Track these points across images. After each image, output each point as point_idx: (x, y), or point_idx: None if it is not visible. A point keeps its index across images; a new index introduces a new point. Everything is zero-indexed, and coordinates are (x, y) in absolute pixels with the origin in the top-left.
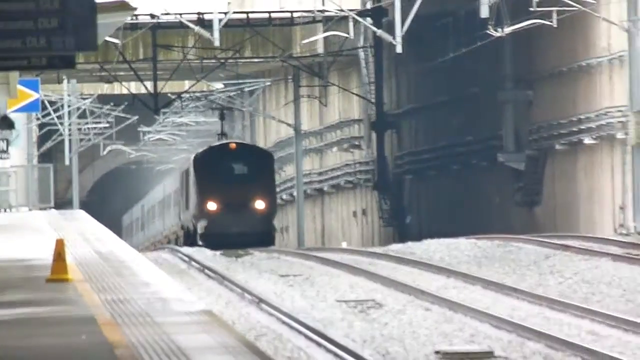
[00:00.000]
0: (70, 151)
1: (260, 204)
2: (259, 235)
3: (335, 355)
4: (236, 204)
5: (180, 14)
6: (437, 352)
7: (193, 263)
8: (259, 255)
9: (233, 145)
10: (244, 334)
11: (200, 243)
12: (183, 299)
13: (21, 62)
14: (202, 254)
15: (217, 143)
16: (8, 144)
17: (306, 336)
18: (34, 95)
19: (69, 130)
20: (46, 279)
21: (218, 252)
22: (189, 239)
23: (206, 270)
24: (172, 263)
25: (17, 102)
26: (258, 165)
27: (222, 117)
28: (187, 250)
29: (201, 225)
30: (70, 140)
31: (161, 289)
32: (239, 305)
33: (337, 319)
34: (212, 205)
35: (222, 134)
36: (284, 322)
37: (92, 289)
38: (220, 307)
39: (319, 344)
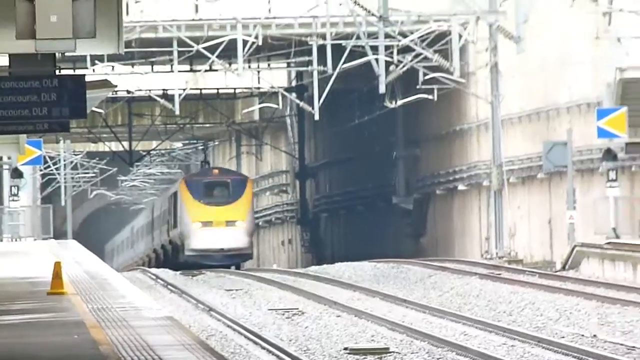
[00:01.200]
0: (65, 195)
1: (240, 224)
2: (240, 251)
3: (268, 351)
4: (219, 222)
5: (149, 90)
6: (345, 349)
7: (159, 280)
8: (209, 275)
9: (216, 171)
10: (198, 334)
11: (187, 259)
12: (151, 307)
13: (28, 127)
14: (165, 273)
15: (202, 169)
16: (18, 189)
17: (245, 336)
18: (38, 152)
19: (64, 179)
20: (47, 292)
21: (178, 272)
22: (169, 257)
23: (169, 286)
24: (143, 280)
25: (25, 157)
26: (236, 187)
27: (205, 148)
28: (154, 270)
29: (188, 242)
30: (65, 187)
31: (134, 300)
32: (194, 313)
33: (269, 323)
34: (198, 224)
35: (206, 162)
36: (228, 326)
37: (82, 300)
38: (180, 314)
39: (255, 343)
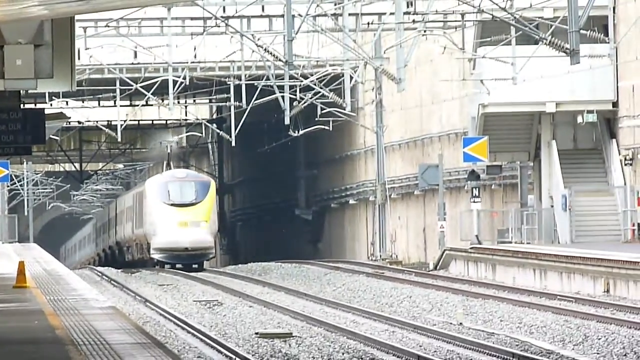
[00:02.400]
0: (27, 206)
1: (203, 225)
2: (201, 251)
3: (193, 335)
4: (184, 222)
5: (97, 121)
6: (256, 333)
7: (104, 277)
8: (145, 272)
9: (180, 173)
10: (136, 321)
11: (153, 256)
12: (97, 299)
13: None
14: (109, 271)
15: (168, 171)
16: None
17: (175, 323)
18: (5, 172)
19: (27, 193)
20: (13, 286)
21: (119, 270)
22: (115, 257)
23: (112, 281)
24: (90, 277)
25: None
26: (200, 189)
27: (170, 151)
28: (99, 268)
29: (154, 240)
30: (27, 200)
31: (84, 292)
32: (133, 303)
33: (194, 312)
34: (164, 223)
35: (169, 165)
36: (161, 314)
37: (42, 293)
38: (121, 304)
39: (183, 328)
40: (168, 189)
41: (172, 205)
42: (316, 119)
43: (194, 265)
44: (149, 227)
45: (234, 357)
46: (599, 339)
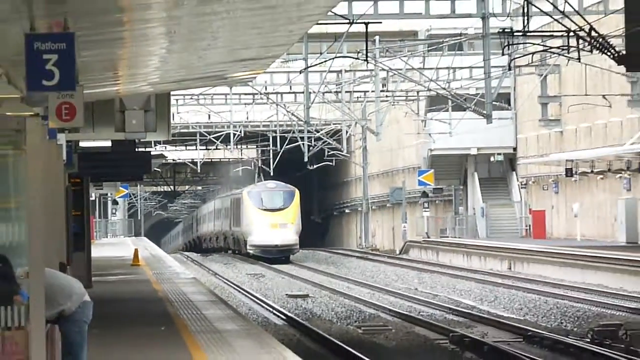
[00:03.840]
0: (140, 213)
1: (290, 226)
2: (288, 248)
3: (245, 295)
4: (275, 223)
5: (184, 159)
6: (286, 294)
7: (189, 258)
8: (215, 255)
9: (271, 184)
10: (209, 286)
11: (249, 251)
12: (184, 272)
13: (122, 178)
14: (192, 254)
15: (260, 182)
16: (116, 210)
17: (234, 287)
18: (125, 191)
19: (139, 205)
20: (130, 264)
21: (199, 254)
22: (234, 246)
23: (193, 261)
24: (180, 258)
25: (119, 193)
26: (288, 197)
27: (258, 170)
28: (186, 253)
29: (250, 239)
30: (140, 209)
31: (175, 268)
32: (207, 275)
33: (246, 281)
34: (259, 224)
35: (259, 178)
36: (225, 282)
37: (149, 268)
38: (199, 276)
39: (238, 290)
40: (261, 196)
41: (265, 210)
42: (324, 158)
43: (282, 258)
44: (245, 228)
45: (271, 310)
46: (505, 298)
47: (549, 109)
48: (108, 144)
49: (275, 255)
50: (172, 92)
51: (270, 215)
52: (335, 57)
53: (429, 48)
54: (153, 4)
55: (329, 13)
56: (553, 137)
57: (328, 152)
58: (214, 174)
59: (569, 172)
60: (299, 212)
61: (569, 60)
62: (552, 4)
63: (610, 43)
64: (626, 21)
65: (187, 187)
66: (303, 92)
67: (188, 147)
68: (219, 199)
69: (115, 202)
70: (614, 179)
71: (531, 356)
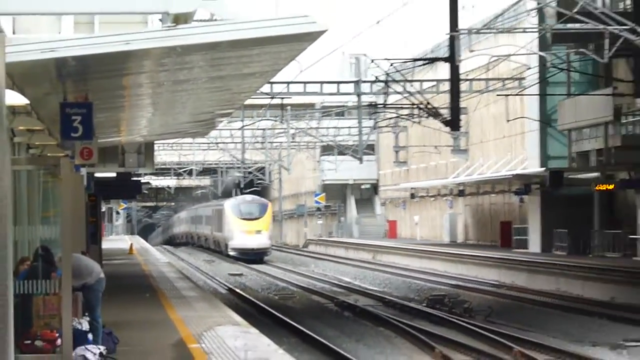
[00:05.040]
0: (134, 220)
1: (264, 233)
2: (263, 250)
3: (202, 274)
4: (251, 230)
5: (162, 186)
6: (229, 274)
7: (166, 249)
8: (184, 248)
9: (248, 198)
10: (179, 268)
11: (230, 252)
12: (162, 258)
13: (122, 196)
14: (168, 246)
15: (239, 196)
16: (118, 217)
17: (194, 268)
18: (124, 205)
19: (134, 214)
20: (127, 253)
21: (172, 247)
22: (215, 247)
23: (169, 251)
24: (160, 250)
25: (120, 207)
26: (262, 209)
27: (238, 185)
28: (165, 246)
29: (231, 243)
30: (134, 217)
31: (157, 255)
32: (177, 260)
33: (202, 265)
34: (238, 231)
35: (237, 191)
36: (189, 265)
37: (139, 256)
38: (172, 261)
39: (197, 270)
40: (240, 208)
41: (243, 219)
42: (254, 185)
43: (257, 259)
44: (227, 233)
45: (218, 283)
46: (370, 277)
47: (400, 155)
48: (114, 174)
49: (252, 257)
50: (155, 141)
51: (247, 224)
52: (261, 120)
53: (322, 115)
54: (144, 84)
55: (258, 91)
56: (402, 173)
57: (256, 181)
58: (183, 195)
59: (412, 196)
60: (272, 221)
61: (413, 123)
62: (402, 86)
63: (440, 112)
64: (450, 100)
65: (164, 203)
66: (241, 142)
67: (165, 177)
68: (192, 210)
69: (117, 212)
70: (442, 200)
71: (386, 314)
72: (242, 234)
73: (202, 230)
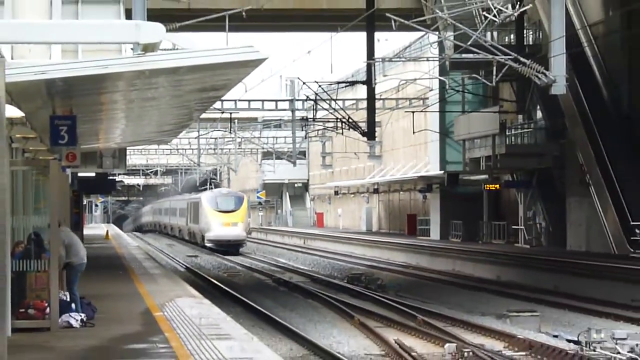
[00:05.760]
0: (109, 211)
1: (239, 224)
2: (239, 242)
3: (165, 255)
4: (227, 222)
5: (133, 184)
6: (187, 255)
7: (135, 235)
8: (150, 234)
9: (224, 191)
10: (146, 250)
11: (206, 244)
12: (133, 243)
13: (99, 192)
14: (137, 234)
15: (216, 189)
16: (97, 209)
17: (159, 251)
18: (102, 199)
19: (109, 206)
20: (104, 238)
21: (140, 233)
22: (190, 238)
23: (137, 236)
24: (131, 235)
25: (98, 200)
26: (238, 202)
27: (210, 182)
28: (135, 232)
29: (207, 234)
30: (109, 209)
31: (128, 240)
32: (144, 244)
33: (165, 247)
34: (215, 223)
35: (211, 185)
36: (154, 248)
37: (114, 240)
38: (141, 245)
39: (161, 252)
40: (217, 200)
41: (219, 211)
42: (207, 184)
43: (233, 251)
44: (203, 225)
45: (178, 263)
46: (302, 259)
47: (326, 159)
48: (93, 174)
49: (228, 248)
50: (127, 147)
51: (224, 216)
52: (214, 130)
53: (263, 127)
54: (118, 101)
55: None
56: (328, 174)
57: (209, 181)
58: (149, 191)
59: (336, 193)
60: (248, 213)
61: (337, 134)
62: (328, 104)
63: (359, 125)
64: (367, 115)
65: (134, 197)
66: (197, 148)
67: (135, 176)
68: (162, 202)
69: (96, 205)
70: (360, 196)
71: (314, 289)
72: (218, 225)
73: (176, 221)
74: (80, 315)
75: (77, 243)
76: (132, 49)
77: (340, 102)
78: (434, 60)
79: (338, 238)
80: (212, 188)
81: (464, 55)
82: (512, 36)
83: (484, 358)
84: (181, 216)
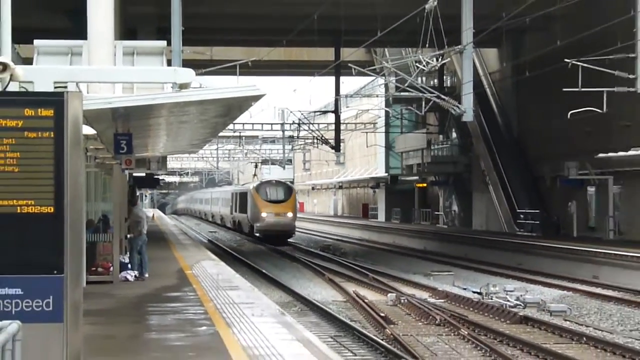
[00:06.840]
0: (156, 200)
1: (289, 214)
2: (289, 232)
3: (195, 232)
4: (276, 213)
5: (172, 181)
6: (209, 231)
7: (174, 217)
8: (186, 216)
9: (273, 181)
10: (181, 228)
11: (255, 233)
12: (171, 222)
13: (148, 187)
14: (174, 216)
15: (265, 180)
16: (146, 198)
17: (189, 228)
18: (150, 191)
19: (155, 197)
20: (152, 220)
21: (177, 216)
22: (235, 226)
23: (175, 218)
24: (171, 217)
25: (147, 192)
26: (287, 192)
27: (256, 166)
28: (173, 215)
29: (257, 224)
30: (155, 198)
31: (169, 221)
32: (180, 223)
33: (193, 225)
34: (265, 212)
35: (254, 175)
36: (187, 227)
37: (158, 221)
38: (178, 224)
39: (190, 229)
40: (267, 190)
41: (269, 201)
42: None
43: (283, 240)
44: (253, 215)
45: (202, 236)
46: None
47: (306, 164)
48: (143, 174)
49: (277, 238)
50: (167, 155)
51: (274, 206)
52: (228, 144)
53: (262, 142)
54: (162, 123)
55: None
56: (307, 175)
57: (224, 179)
58: (183, 186)
59: (312, 188)
60: (296, 204)
61: (313, 147)
62: (308, 127)
63: (329, 141)
64: (335, 134)
65: (172, 190)
66: (216, 156)
67: (172, 176)
68: (198, 192)
69: (145, 196)
70: (329, 191)
71: (297, 255)
72: (269, 215)
73: (218, 209)
74: (135, 272)
75: (143, 222)
76: (171, 87)
77: (316, 125)
78: (381, 96)
79: (313, 220)
80: (261, 179)
81: (402, 93)
82: (435, 80)
83: (415, 303)
84: (224, 205)
